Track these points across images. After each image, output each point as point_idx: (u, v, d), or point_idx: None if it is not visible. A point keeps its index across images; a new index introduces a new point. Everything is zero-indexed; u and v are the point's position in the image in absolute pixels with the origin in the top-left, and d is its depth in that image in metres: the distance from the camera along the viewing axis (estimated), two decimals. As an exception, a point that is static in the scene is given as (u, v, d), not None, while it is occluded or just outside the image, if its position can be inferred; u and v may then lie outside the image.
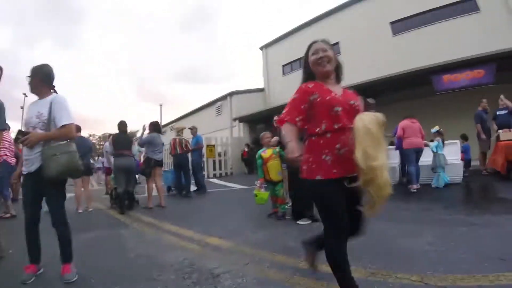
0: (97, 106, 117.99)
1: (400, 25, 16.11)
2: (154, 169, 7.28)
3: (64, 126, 2.86)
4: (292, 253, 3.28)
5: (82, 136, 7.21)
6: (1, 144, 5.21)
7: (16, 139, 2.84)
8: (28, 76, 2.94)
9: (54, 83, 3.06)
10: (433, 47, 14.00)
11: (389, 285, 2.47)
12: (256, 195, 5.24)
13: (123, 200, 6.79)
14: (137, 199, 7.53)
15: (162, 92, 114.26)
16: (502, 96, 7.97)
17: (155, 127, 7.55)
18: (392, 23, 16.32)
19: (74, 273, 2.88)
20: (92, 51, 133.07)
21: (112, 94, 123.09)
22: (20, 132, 2.82)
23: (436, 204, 5.62)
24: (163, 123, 31.91)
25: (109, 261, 3.44)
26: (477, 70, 10.60)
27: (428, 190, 7.01)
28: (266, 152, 5.35)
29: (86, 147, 6.91)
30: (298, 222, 4.76)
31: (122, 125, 7.10)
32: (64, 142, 2.88)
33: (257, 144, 9.66)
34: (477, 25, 13.38)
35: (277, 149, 5.30)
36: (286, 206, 5.35)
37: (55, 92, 3.05)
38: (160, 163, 7.38)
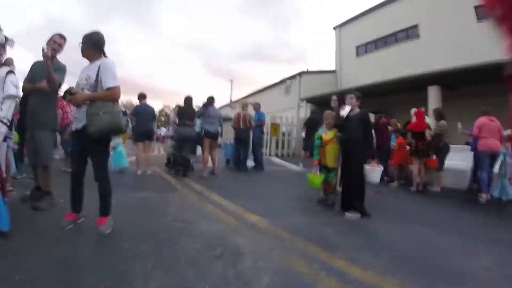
0: (173, 80, 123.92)
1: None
2: (209, 141, 7.54)
3: (109, 88, 2.95)
4: (328, 247, 3.02)
5: (146, 104, 7.66)
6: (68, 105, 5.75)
7: (64, 97, 2.98)
8: (80, 43, 3.12)
9: (105, 49, 3.19)
10: None
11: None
12: (309, 178, 5.00)
13: (179, 165, 7.27)
14: (192, 166, 7.76)
15: (233, 70, 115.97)
16: None
17: (209, 101, 7.84)
18: (477, 7, 14.09)
19: (108, 226, 3.02)
20: (166, 29, 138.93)
21: (186, 69, 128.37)
22: (67, 91, 2.96)
23: (507, 220, 4.90)
24: (233, 99, 32.63)
25: (147, 221, 3.56)
26: None
27: (500, 203, 5.82)
28: (327, 134, 4.99)
29: (148, 114, 7.54)
30: (346, 214, 4.38)
31: (187, 99, 7.65)
32: (109, 103, 2.94)
33: (311, 124, 9.20)
34: None
35: (337, 132, 4.91)
36: (336, 195, 4.95)
37: (105, 57, 3.16)
38: (212, 135, 7.61)
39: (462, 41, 14.23)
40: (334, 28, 23.07)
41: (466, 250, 3.24)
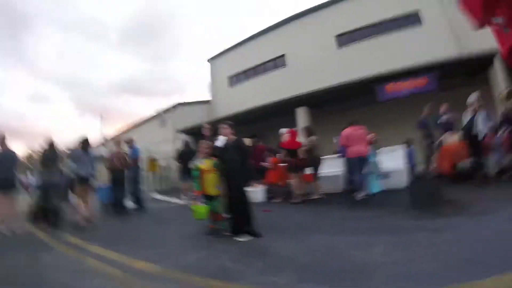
0: (45, 120, 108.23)
1: (345, 38, 16.94)
2: (81, 185, 6.80)
3: None
4: (230, 277, 3.02)
5: (6, 148, 6.50)
6: None
7: None
8: None
9: None
10: (377, 58, 14.75)
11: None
12: (193, 210, 4.94)
13: (48, 217, 6.49)
14: (61, 215, 6.83)
15: (109, 107, 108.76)
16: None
17: (83, 143, 7.09)
18: (338, 36, 17.10)
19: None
20: (35, 64, 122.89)
21: (59, 108, 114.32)
22: None
23: (385, 211, 5.56)
24: (107, 136, 30.23)
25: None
26: (419, 79, 11.28)
27: (374, 198, 6.82)
28: (204, 163, 5.07)
29: (8, 160, 6.42)
30: (237, 239, 4.49)
31: (49, 141, 7.03)
32: None
33: (185, 156, 9.32)
34: (420, 37, 14.37)
35: (214, 161, 5.01)
36: (224, 223, 4.99)
37: None
38: (85, 179, 6.86)
39: (324, 66, 16.90)
40: (208, 61, 24.11)
41: (363, 244, 3.65)
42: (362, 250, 3.48)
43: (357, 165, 6.94)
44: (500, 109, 8.25)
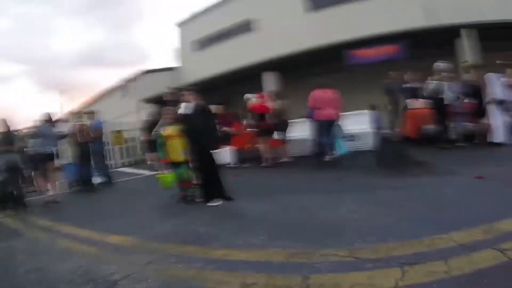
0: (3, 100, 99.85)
1: (314, 2, 16.61)
2: (46, 164, 6.67)
3: None
4: (203, 241, 3.15)
5: None
6: None
7: None
8: None
9: None
10: (347, 24, 14.49)
11: (314, 266, 2.31)
12: (160, 179, 4.95)
13: (11, 201, 6.30)
14: (26, 200, 6.71)
15: (68, 80, 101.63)
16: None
17: (45, 119, 6.92)
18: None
19: None
20: None
21: (15, 86, 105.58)
22: None
23: (353, 171, 5.78)
24: (69, 111, 28.77)
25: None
26: (389, 47, 11.44)
27: (341, 160, 6.90)
28: (167, 130, 5.02)
29: None
30: (209, 204, 4.59)
31: (3, 123, 6.58)
32: None
33: (153, 125, 9.15)
34: (391, 6, 14.29)
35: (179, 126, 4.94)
36: (194, 189, 5.00)
37: None
38: (47, 157, 6.71)
39: (293, 30, 16.45)
40: (177, 25, 23.22)
41: (331, 203, 3.85)
42: (331, 208, 3.66)
43: (326, 128, 6.98)
44: (463, 78, 8.60)
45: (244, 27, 19.03)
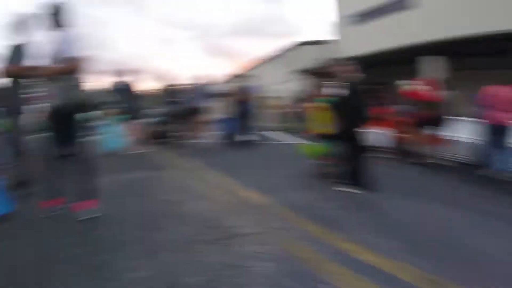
0: (169, 60, 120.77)
1: None
2: (196, 116, 7.99)
3: (68, 59, 2.74)
4: (332, 227, 2.78)
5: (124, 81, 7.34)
6: None
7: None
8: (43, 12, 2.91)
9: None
10: None
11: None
12: (304, 149, 4.82)
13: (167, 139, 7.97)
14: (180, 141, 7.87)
15: (228, 46, 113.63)
16: None
17: (199, 78, 8.32)
18: None
19: (90, 211, 2.80)
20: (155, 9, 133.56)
21: (181, 49, 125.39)
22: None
23: None
24: (229, 73, 32.00)
25: (135, 204, 3.33)
26: None
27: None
28: (317, 103, 4.78)
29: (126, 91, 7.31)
30: (346, 189, 4.11)
31: (172, 79, 8.44)
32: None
33: (302, 97, 9.14)
34: None
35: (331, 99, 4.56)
36: (335, 166, 4.62)
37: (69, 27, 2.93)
38: (198, 111, 7.99)
39: (466, 9, 13.51)
40: None
41: (482, 229, 2.94)
42: (482, 237, 2.74)
43: (498, 134, 5.55)
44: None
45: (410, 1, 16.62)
